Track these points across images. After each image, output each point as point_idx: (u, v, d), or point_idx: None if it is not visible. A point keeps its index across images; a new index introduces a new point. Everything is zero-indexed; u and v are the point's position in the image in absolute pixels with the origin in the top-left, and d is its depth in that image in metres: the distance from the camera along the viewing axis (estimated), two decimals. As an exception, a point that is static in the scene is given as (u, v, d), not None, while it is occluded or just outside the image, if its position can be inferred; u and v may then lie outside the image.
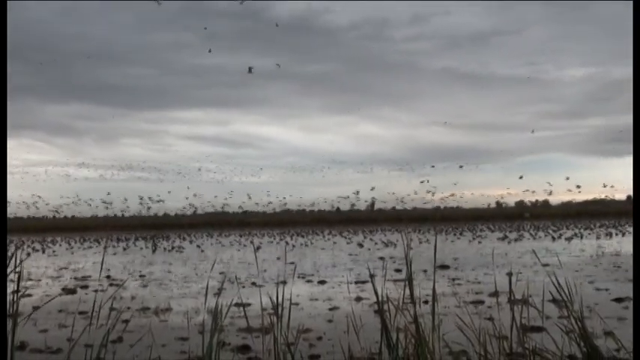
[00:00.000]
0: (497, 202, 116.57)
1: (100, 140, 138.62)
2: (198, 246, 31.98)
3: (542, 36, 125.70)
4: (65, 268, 20.07)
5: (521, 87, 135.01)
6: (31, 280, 16.05)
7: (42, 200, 72.79)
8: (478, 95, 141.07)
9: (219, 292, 9.01)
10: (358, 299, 10.78)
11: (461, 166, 71.06)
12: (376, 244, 29.73)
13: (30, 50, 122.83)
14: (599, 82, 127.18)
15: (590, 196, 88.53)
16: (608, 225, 47.32)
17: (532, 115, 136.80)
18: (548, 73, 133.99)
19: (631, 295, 9.50)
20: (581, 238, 31.09)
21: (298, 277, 14.93)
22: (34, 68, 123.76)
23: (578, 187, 70.19)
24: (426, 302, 9.01)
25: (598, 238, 30.72)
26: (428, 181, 64.40)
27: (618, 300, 9.97)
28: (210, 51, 72.43)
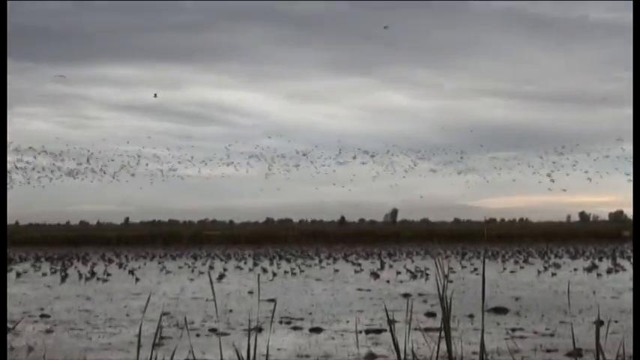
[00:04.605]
0: (582, 214, 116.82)
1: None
2: (130, 272, 31.87)
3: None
4: None
5: (622, 39, 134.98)
6: None
7: None
8: (558, 50, 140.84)
9: (159, 343, 9.01)
10: (371, 357, 10.80)
11: (528, 158, 70.79)
12: (399, 273, 29.71)
13: None
14: None
15: None
16: None
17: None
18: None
19: None
20: None
21: (280, 321, 14.94)
22: None
23: None
24: (471, 363, 9.03)
25: None
26: (479, 180, 64.22)
27: None
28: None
